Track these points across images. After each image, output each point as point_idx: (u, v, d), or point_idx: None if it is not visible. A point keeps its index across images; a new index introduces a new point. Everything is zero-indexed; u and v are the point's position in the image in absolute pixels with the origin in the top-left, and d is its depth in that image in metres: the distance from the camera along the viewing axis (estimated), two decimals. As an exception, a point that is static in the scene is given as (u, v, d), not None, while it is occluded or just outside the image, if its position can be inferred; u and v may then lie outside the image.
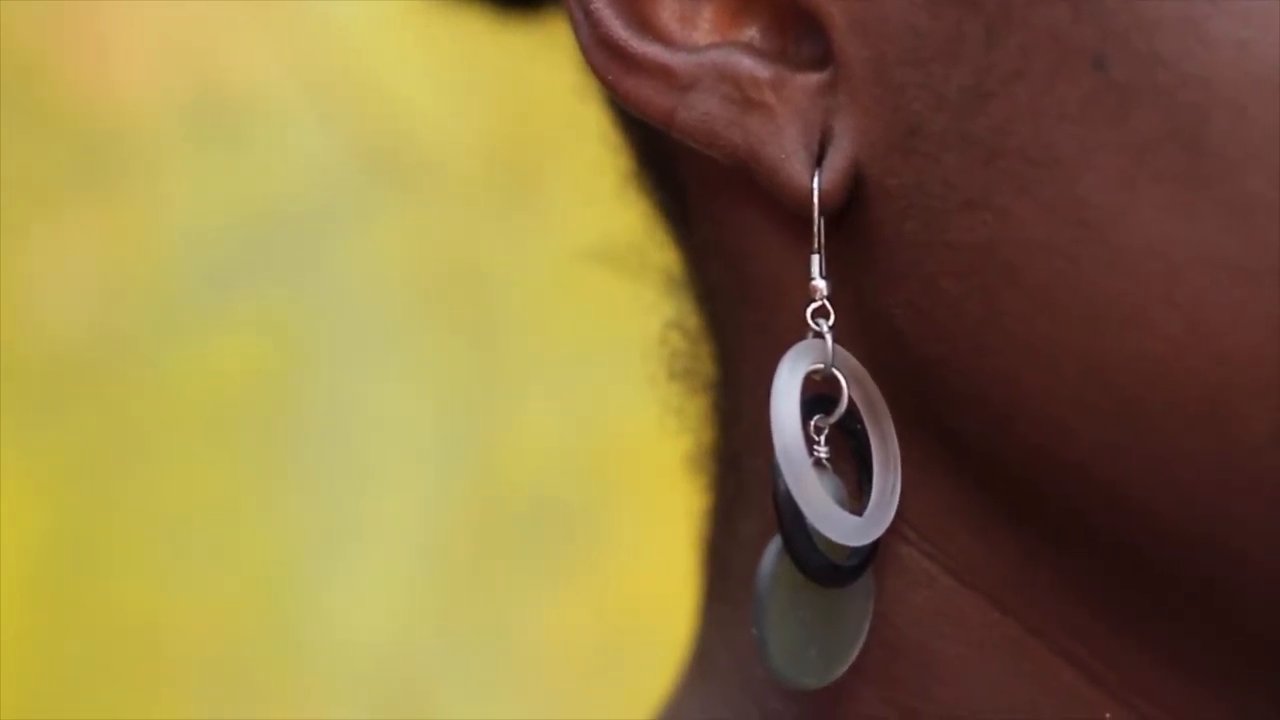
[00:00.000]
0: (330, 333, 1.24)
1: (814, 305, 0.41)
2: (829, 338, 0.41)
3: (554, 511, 1.22)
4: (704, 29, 0.42)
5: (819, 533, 0.40)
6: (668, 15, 0.42)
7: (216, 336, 1.24)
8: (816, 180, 0.41)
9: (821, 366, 0.41)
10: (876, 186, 0.40)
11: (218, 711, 1.23)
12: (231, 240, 1.23)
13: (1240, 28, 0.37)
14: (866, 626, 0.42)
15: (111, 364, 1.24)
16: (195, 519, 1.23)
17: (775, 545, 0.41)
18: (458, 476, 1.24)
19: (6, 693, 1.20)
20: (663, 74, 0.41)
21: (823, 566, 0.41)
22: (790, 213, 0.41)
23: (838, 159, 0.40)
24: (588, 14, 0.42)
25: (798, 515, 0.40)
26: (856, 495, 0.42)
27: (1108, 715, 0.42)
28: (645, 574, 1.08)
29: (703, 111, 0.41)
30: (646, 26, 0.42)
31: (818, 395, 0.41)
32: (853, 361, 0.41)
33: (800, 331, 0.41)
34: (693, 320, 0.47)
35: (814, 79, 0.41)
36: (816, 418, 0.41)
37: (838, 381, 0.41)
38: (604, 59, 0.42)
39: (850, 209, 0.41)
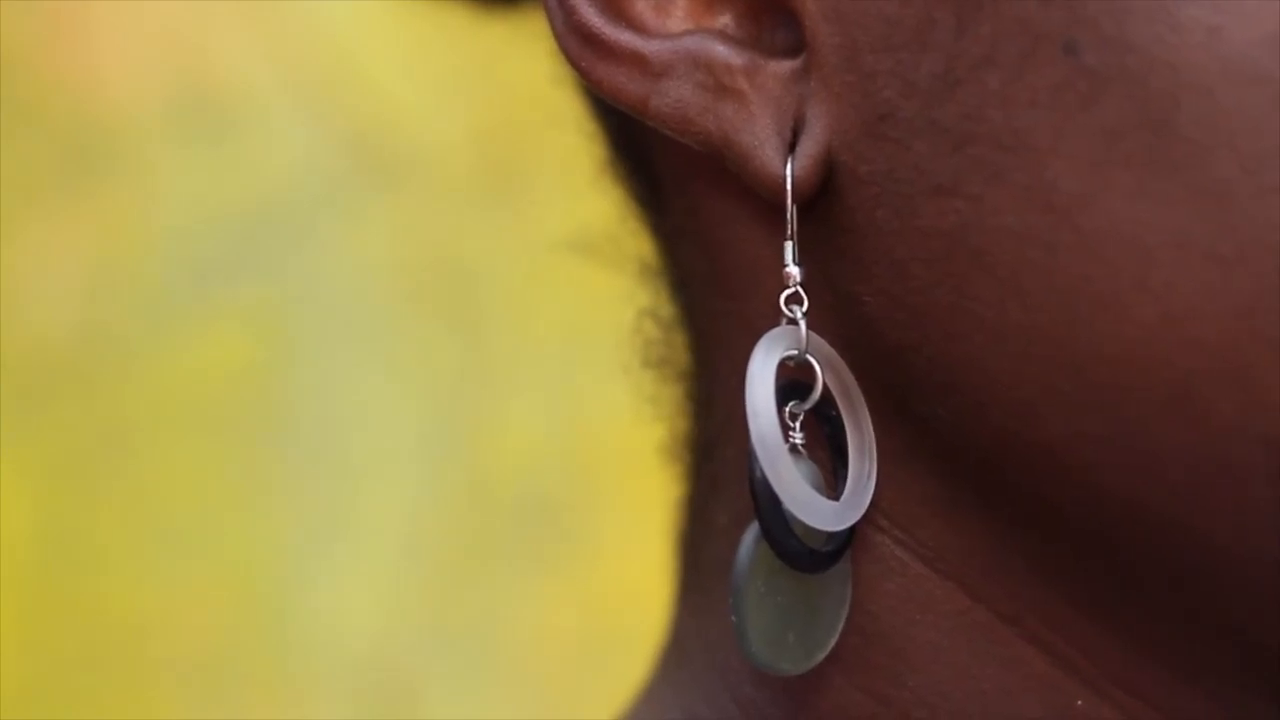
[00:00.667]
0: (315, 327, 1.24)
1: (787, 292, 0.41)
2: (803, 324, 0.41)
3: (539, 506, 1.22)
4: (678, 16, 0.42)
5: (796, 518, 0.41)
6: (642, 3, 0.42)
7: (202, 331, 1.24)
8: (789, 167, 0.41)
9: (795, 353, 0.41)
10: (848, 173, 0.40)
11: (204, 707, 1.23)
12: (217, 236, 1.23)
13: (1210, 13, 0.37)
14: (845, 612, 0.42)
15: (97, 359, 1.23)
16: (180, 514, 1.23)
17: (752, 532, 0.41)
18: (443, 471, 1.24)
19: (-8, 689, 1.20)
20: (636, 61, 0.41)
21: (800, 552, 0.41)
22: (763, 200, 0.41)
23: (810, 146, 0.41)
24: (562, 1, 0.42)
25: (774, 501, 0.40)
26: (831, 481, 0.42)
27: (1080, 702, 0.42)
28: (631, 568, 1.08)
29: (676, 99, 0.41)
30: (621, 14, 0.42)
31: (792, 382, 0.41)
32: (826, 348, 0.41)
33: (774, 318, 0.41)
34: (667, 308, 0.47)
35: (787, 66, 0.41)
36: (791, 404, 0.41)
37: (812, 368, 0.41)
38: (578, 46, 0.42)
39: (823, 196, 0.41)
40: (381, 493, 1.24)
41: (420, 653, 1.23)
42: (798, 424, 0.41)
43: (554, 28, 0.42)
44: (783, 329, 0.41)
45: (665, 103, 0.41)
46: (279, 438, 1.24)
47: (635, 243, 0.47)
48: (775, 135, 0.41)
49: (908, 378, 0.41)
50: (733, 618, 0.41)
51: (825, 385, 0.41)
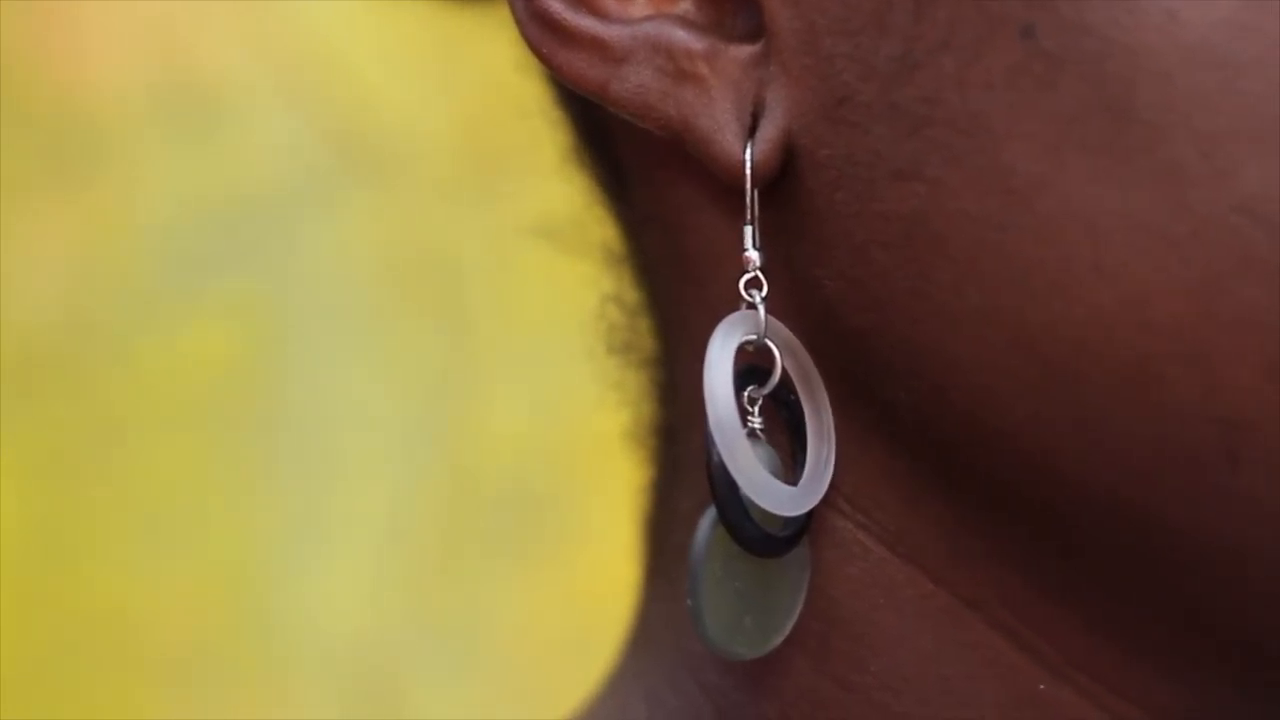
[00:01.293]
0: (301, 320, 1.24)
1: (747, 276, 0.41)
2: (762, 309, 0.41)
3: (523, 499, 1.22)
4: (639, 2, 0.42)
5: (753, 503, 0.41)
6: None
7: (187, 325, 1.24)
8: (749, 151, 0.41)
9: (754, 338, 0.41)
10: (808, 157, 0.40)
11: (188, 699, 1.23)
12: (202, 229, 1.23)
13: None
14: (802, 597, 0.42)
15: (83, 352, 1.24)
16: (165, 507, 1.23)
17: (709, 516, 0.41)
18: (428, 464, 1.24)
19: (-22, 682, 1.20)
20: (597, 47, 0.41)
21: (757, 537, 0.41)
22: (724, 185, 0.41)
23: (770, 130, 0.41)
24: None
25: (731, 486, 0.40)
26: (790, 466, 0.42)
27: (1042, 686, 0.42)
28: (614, 561, 1.08)
29: (636, 84, 0.41)
30: (581, 0, 0.42)
31: (751, 366, 0.41)
32: (786, 332, 0.42)
33: (734, 303, 0.41)
34: (631, 294, 0.47)
35: (747, 51, 0.41)
36: (750, 389, 0.41)
37: (771, 352, 0.41)
38: (539, 32, 0.42)
39: (783, 180, 0.41)
40: (365, 485, 1.24)
41: (404, 645, 1.23)
42: (756, 409, 0.41)
43: (515, 14, 0.42)
44: (741, 314, 0.41)
45: (626, 88, 0.41)
46: (264, 431, 1.24)
47: (601, 229, 0.48)
48: (735, 120, 0.41)
49: (867, 362, 0.41)
50: (689, 601, 0.41)
51: (784, 370, 0.41)
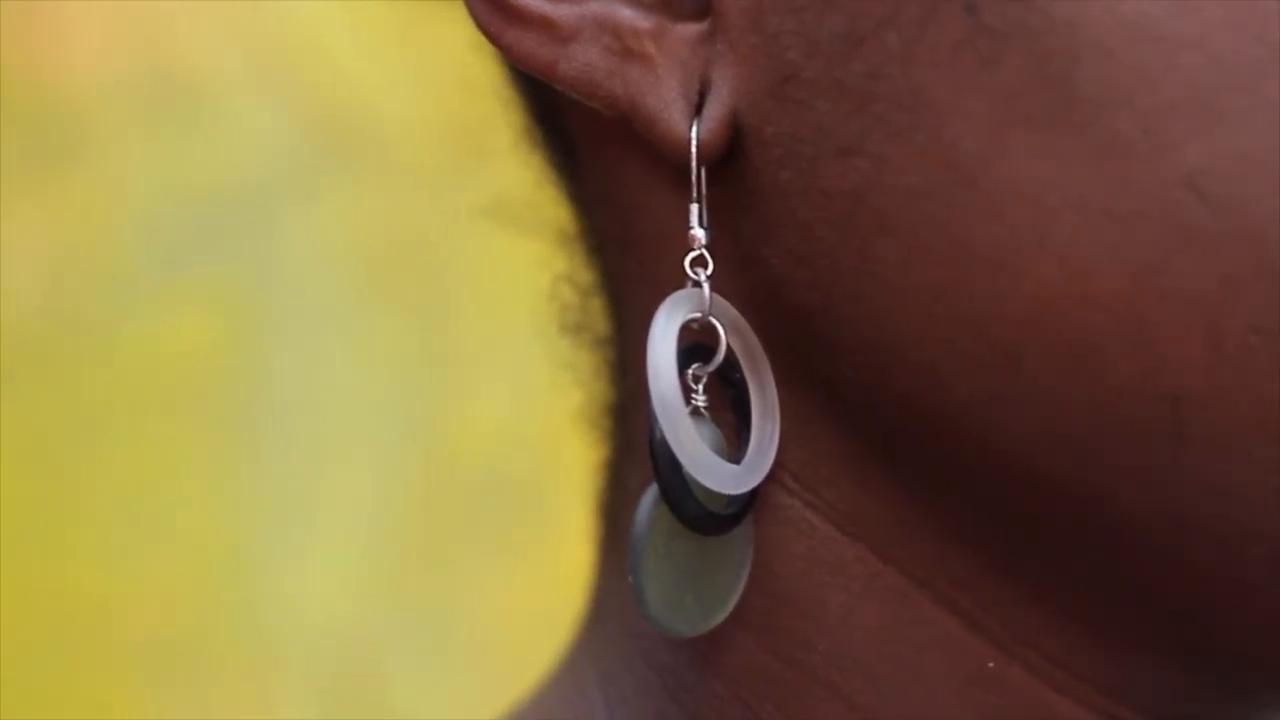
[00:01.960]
0: (281, 308, 1.24)
1: (692, 254, 0.41)
2: (706, 286, 0.41)
3: (505, 488, 1.22)
4: None
5: (697, 481, 0.41)
6: None
7: (167, 314, 1.24)
8: (695, 130, 0.41)
9: (699, 315, 0.41)
10: (754, 135, 0.40)
11: (170, 688, 1.23)
12: (182, 218, 1.23)
13: None
14: (745, 575, 0.42)
15: (62, 342, 1.23)
16: (147, 496, 1.23)
17: (651, 493, 0.41)
18: (409, 453, 1.24)
19: (-41, 671, 1.20)
20: (544, 26, 0.41)
21: (699, 514, 0.41)
22: (671, 163, 0.41)
23: (716, 108, 0.41)
24: None
25: (674, 463, 0.40)
26: (736, 444, 0.42)
27: (990, 664, 0.42)
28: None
29: (584, 63, 0.41)
30: None
31: (697, 344, 0.41)
32: (731, 311, 0.42)
33: (681, 282, 0.41)
34: (584, 274, 0.47)
35: (694, 29, 0.41)
36: (695, 366, 0.41)
37: (716, 330, 0.41)
38: (487, 12, 0.42)
39: (730, 158, 0.41)
40: (346, 474, 1.24)
41: (387, 634, 1.23)
42: (701, 387, 0.41)
43: (464, -8, 0.42)
44: (686, 291, 0.41)
45: (573, 67, 0.41)
46: (244, 420, 1.24)
47: (555, 210, 0.48)
48: (681, 98, 0.41)
49: (813, 339, 0.41)
50: (630, 578, 0.41)
51: (730, 348, 0.41)
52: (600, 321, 0.47)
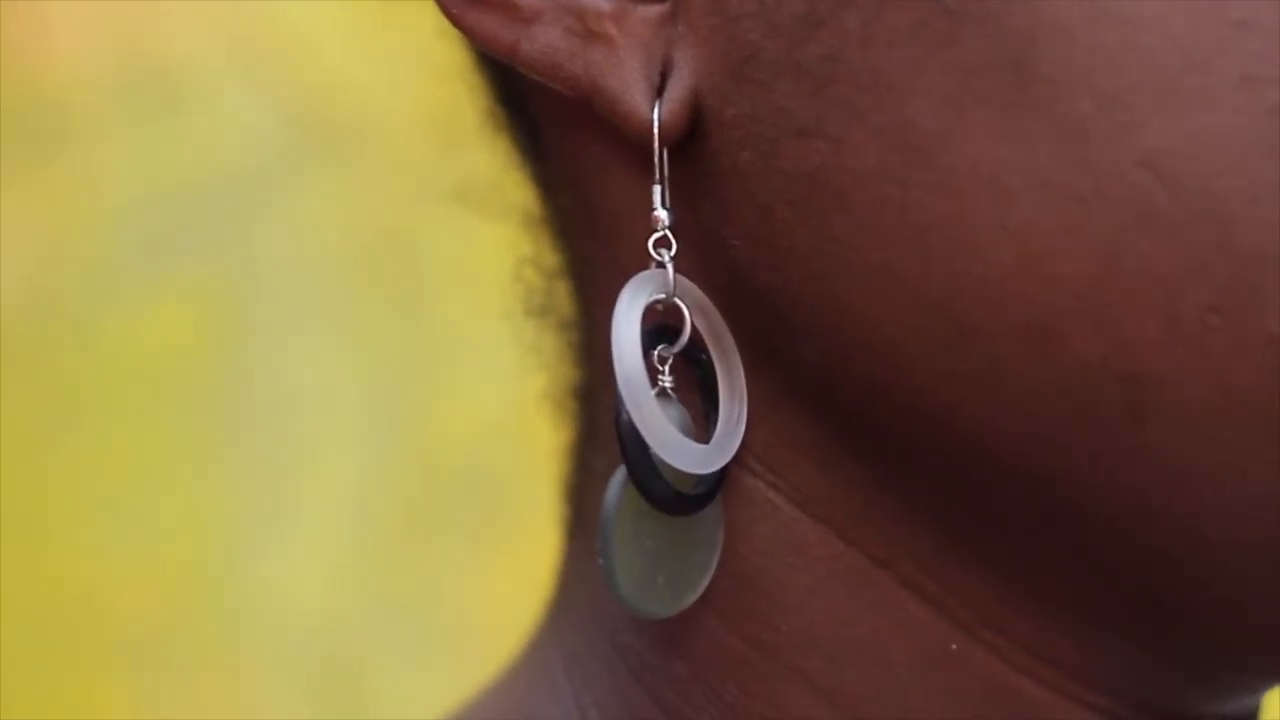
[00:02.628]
0: (263, 301, 1.24)
1: (656, 236, 0.41)
2: (670, 267, 0.41)
3: (486, 480, 1.22)
4: None
5: (664, 461, 0.41)
6: None
7: (150, 306, 1.24)
8: (656, 111, 0.41)
9: (664, 296, 0.41)
10: (715, 117, 0.40)
11: (152, 680, 1.23)
12: (165, 210, 1.23)
13: None
14: (716, 556, 0.42)
15: (45, 333, 1.23)
16: (130, 489, 1.23)
17: (620, 474, 0.41)
18: (390, 446, 1.24)
19: (-58, 663, 1.20)
20: (506, 8, 0.41)
21: (667, 495, 0.41)
22: (634, 145, 0.41)
23: (677, 89, 0.41)
24: None
25: (640, 444, 0.40)
26: (703, 425, 0.42)
27: (954, 646, 0.42)
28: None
29: (545, 44, 0.41)
30: None
31: (663, 326, 0.41)
32: (696, 291, 0.42)
33: (645, 263, 0.41)
34: (549, 257, 0.47)
35: (655, 10, 0.41)
36: (660, 347, 0.41)
37: (681, 311, 0.41)
38: None
39: (691, 140, 0.41)
40: (328, 466, 1.24)
41: (368, 626, 1.23)
42: (667, 367, 0.41)
43: (427, -26, 0.42)
44: (650, 273, 0.41)
45: (534, 49, 0.41)
46: (227, 412, 1.24)
47: (520, 192, 0.48)
48: (643, 80, 0.41)
49: (775, 320, 0.41)
50: (600, 560, 0.41)
51: (696, 329, 0.42)
52: (565, 304, 0.47)
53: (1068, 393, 0.38)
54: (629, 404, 0.40)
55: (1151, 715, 0.43)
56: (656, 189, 0.41)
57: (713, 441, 0.41)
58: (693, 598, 0.42)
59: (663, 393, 0.41)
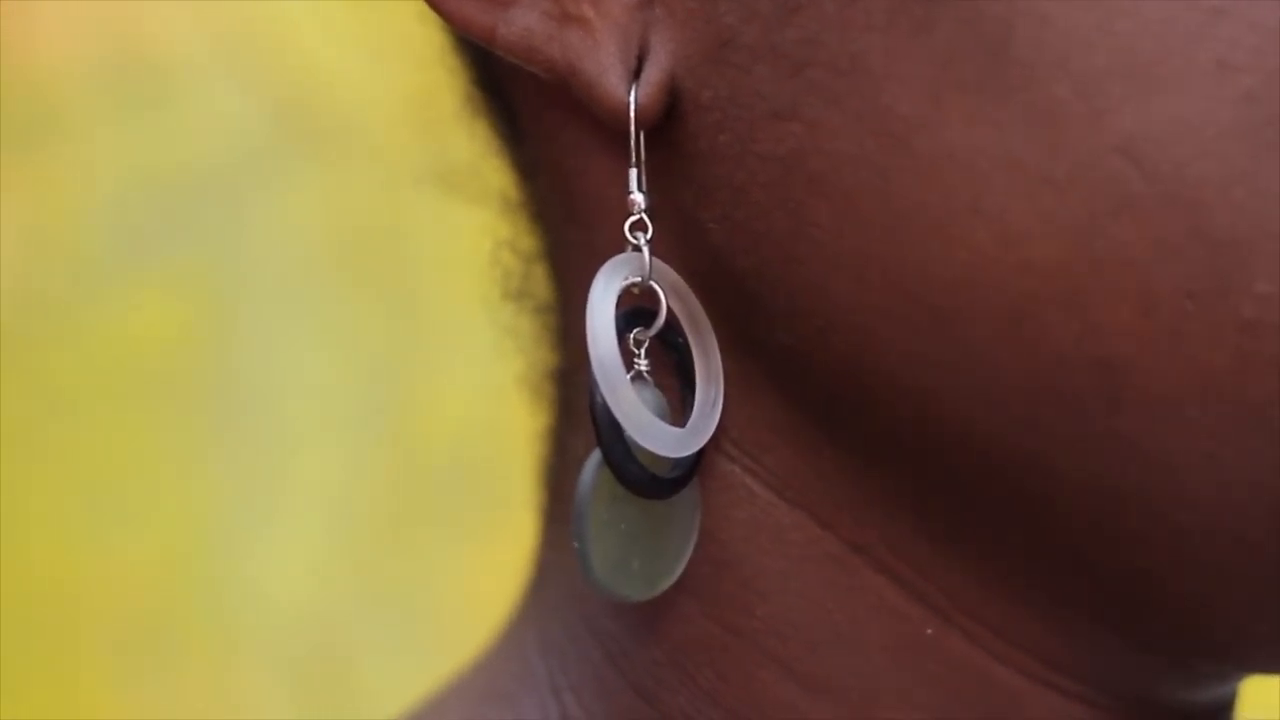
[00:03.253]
0: (248, 294, 1.24)
1: (632, 219, 0.41)
2: (646, 250, 0.41)
3: (470, 472, 1.22)
4: None
5: (639, 445, 0.41)
6: None
7: (135, 298, 1.24)
8: (633, 94, 0.41)
9: (639, 280, 0.41)
10: (692, 100, 0.40)
11: (137, 673, 1.23)
12: (150, 203, 1.23)
13: None
14: (693, 540, 0.42)
15: (30, 325, 1.23)
16: (114, 481, 1.23)
17: (594, 457, 0.41)
18: (375, 438, 1.24)
19: (-75, 655, 1.20)
20: None
21: (642, 478, 0.41)
22: (611, 128, 0.41)
23: (654, 73, 0.41)
24: None
25: (615, 427, 0.40)
26: (679, 409, 0.42)
27: (929, 631, 0.42)
28: (561, 534, 1.08)
29: (523, 27, 0.41)
30: None
31: (639, 309, 0.41)
32: (672, 275, 0.42)
33: (621, 247, 0.41)
34: (526, 241, 0.47)
35: None
36: (636, 331, 0.41)
37: (657, 294, 0.41)
38: None
39: (668, 123, 0.41)
40: (313, 459, 1.24)
41: (353, 619, 1.23)
42: (642, 351, 0.41)
43: (404, -43, 0.42)
44: (626, 256, 0.41)
45: (512, 32, 0.41)
46: (211, 404, 1.24)
47: (499, 176, 0.48)
48: (620, 62, 0.41)
49: (752, 304, 0.41)
50: (574, 544, 0.41)
51: (672, 312, 0.42)
52: (542, 288, 0.47)
53: (1042, 378, 0.38)
54: (603, 387, 0.40)
55: (1127, 702, 0.43)
56: (633, 172, 0.41)
57: (688, 425, 0.41)
58: (668, 582, 0.42)
59: (638, 376, 0.41)
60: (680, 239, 0.42)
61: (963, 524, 0.41)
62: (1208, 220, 0.37)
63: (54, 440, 1.24)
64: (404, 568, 1.23)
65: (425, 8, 0.42)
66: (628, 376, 0.40)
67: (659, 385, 0.42)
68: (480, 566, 1.22)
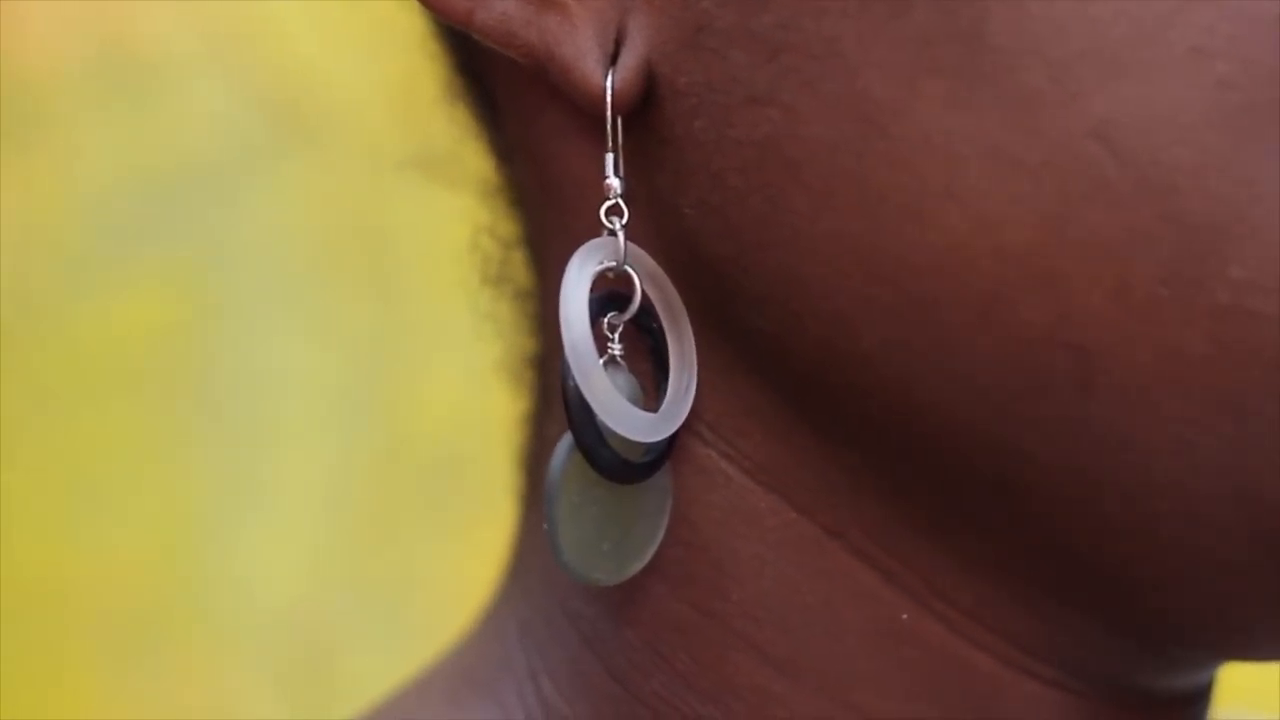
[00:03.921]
0: (235, 288, 1.24)
1: (607, 204, 0.41)
2: (621, 235, 0.41)
3: (458, 467, 1.22)
4: None
5: (611, 430, 0.41)
6: None
7: (123, 292, 1.24)
8: (610, 79, 0.41)
9: (614, 264, 0.41)
10: (668, 85, 0.41)
11: (124, 666, 1.23)
12: (137, 197, 1.23)
13: None
14: (663, 524, 0.42)
15: (18, 319, 1.23)
16: (102, 474, 1.23)
17: (566, 441, 0.41)
18: (363, 431, 1.24)
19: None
20: None
21: (613, 462, 0.41)
22: (588, 114, 0.41)
23: (631, 58, 0.41)
24: None
25: (586, 410, 0.40)
26: (653, 394, 0.42)
27: (904, 615, 0.42)
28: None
29: (500, 12, 0.41)
30: None
31: (614, 294, 0.41)
32: (648, 260, 0.42)
33: (597, 232, 0.41)
34: (506, 226, 0.47)
35: None
36: (610, 315, 0.41)
37: (632, 279, 0.41)
38: None
39: (645, 109, 0.41)
40: (300, 453, 1.24)
41: (339, 612, 1.23)
42: (616, 335, 0.41)
43: (381, -57, 0.42)
44: (601, 240, 0.41)
45: (490, 16, 0.41)
46: (199, 398, 1.24)
47: (479, 162, 0.48)
48: (597, 47, 0.41)
49: (727, 289, 0.41)
50: (545, 526, 0.41)
51: (647, 297, 0.42)
52: (521, 273, 0.47)
53: (1016, 362, 0.38)
54: (576, 371, 0.40)
55: (1102, 688, 0.43)
56: (609, 157, 0.41)
57: (661, 410, 0.41)
58: (639, 566, 0.42)
59: (611, 361, 0.41)
60: (656, 224, 0.42)
61: (938, 509, 0.41)
62: (1181, 206, 0.37)
63: (41, 435, 1.24)
64: (391, 562, 1.23)
65: (409, 5, 0.42)
66: (600, 361, 0.40)
67: (633, 370, 0.42)
68: (468, 560, 1.22)
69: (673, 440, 0.42)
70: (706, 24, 0.40)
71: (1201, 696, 0.45)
